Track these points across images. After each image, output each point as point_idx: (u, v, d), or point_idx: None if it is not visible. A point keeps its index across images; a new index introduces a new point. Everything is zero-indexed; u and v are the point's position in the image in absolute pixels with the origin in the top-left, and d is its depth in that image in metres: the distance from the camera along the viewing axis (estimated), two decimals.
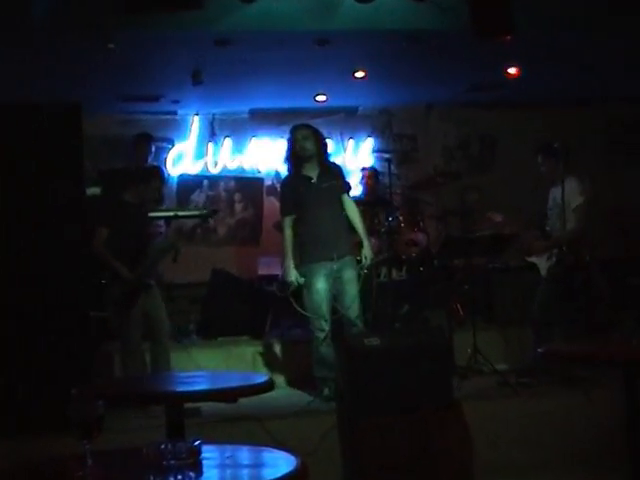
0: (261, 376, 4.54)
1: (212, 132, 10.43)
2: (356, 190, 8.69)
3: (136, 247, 6.65)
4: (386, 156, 9.50)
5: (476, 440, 5.53)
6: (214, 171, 10.49)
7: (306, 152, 6.60)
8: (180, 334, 8.21)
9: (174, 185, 10.21)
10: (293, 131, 6.72)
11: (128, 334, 6.50)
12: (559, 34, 7.57)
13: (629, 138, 10.88)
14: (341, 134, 10.47)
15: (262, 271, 9.62)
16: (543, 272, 7.02)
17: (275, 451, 2.95)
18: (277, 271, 8.04)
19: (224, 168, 10.51)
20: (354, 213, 6.74)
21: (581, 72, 8.88)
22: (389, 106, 10.71)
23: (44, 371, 5.60)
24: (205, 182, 10.52)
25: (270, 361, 7.67)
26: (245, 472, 2.88)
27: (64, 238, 5.79)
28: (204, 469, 2.69)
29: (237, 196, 10.62)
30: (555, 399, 6.25)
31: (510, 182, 9.91)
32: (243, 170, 10.56)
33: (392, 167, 8.58)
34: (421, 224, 8.86)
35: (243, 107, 10.32)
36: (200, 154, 10.42)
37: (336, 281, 6.52)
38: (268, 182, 10.57)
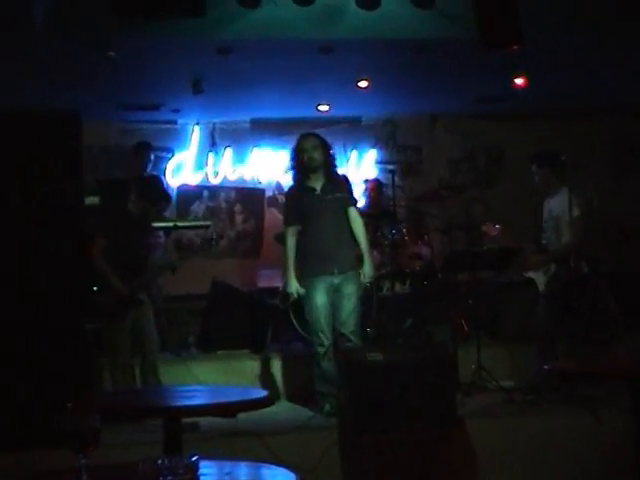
0: (260, 391, 4.60)
1: (213, 142, 10.37)
2: (359, 202, 8.59)
3: (135, 258, 6.63)
4: (390, 167, 9.48)
5: (480, 458, 5.48)
6: (214, 182, 10.43)
7: (313, 162, 6.48)
8: (179, 347, 8.15)
9: (174, 196, 10.14)
10: (301, 140, 6.57)
11: (116, 348, 6.50)
12: (566, 42, 7.50)
13: (638, 149, 10.79)
14: (344, 145, 10.37)
15: (262, 283, 9.60)
16: (541, 287, 6.94)
17: (275, 468, 2.95)
18: (277, 283, 8.00)
19: (225, 179, 10.44)
20: (359, 227, 6.61)
21: (589, 82, 8.83)
22: (393, 116, 10.64)
23: (41, 384, 5.52)
24: (205, 193, 10.47)
25: (270, 375, 7.58)
26: None
27: (62, 247, 5.73)
28: None
29: (238, 207, 10.55)
30: (561, 417, 6.16)
31: (518, 196, 9.79)
32: (244, 181, 10.50)
33: (396, 179, 8.48)
34: (425, 237, 8.77)
35: (244, 116, 10.26)
36: (200, 164, 10.36)
37: (335, 295, 6.44)
38: (269, 193, 10.52)
